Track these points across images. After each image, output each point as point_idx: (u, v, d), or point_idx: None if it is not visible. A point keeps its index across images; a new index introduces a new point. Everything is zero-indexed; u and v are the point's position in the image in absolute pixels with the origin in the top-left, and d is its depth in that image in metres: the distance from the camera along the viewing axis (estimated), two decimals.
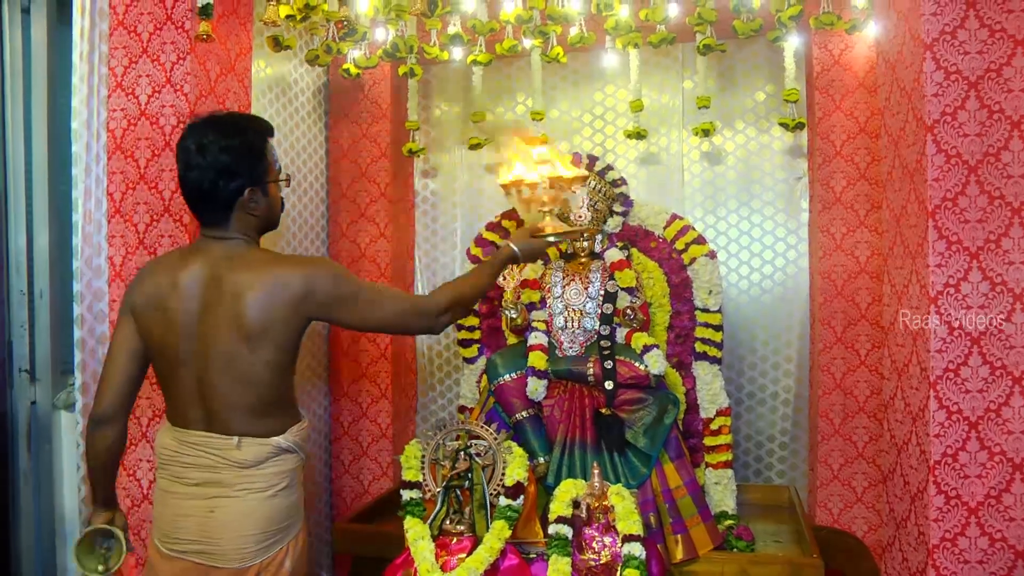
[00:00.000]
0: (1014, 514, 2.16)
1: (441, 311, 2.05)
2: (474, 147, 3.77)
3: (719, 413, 3.13)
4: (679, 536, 2.76)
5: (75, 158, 2.75)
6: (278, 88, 3.60)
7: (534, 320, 3.15)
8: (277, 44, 3.29)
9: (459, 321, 3.45)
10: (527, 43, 3.44)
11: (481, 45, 3.55)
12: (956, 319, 2.16)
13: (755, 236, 3.70)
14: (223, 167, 1.86)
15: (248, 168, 1.89)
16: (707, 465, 3.13)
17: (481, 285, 2.23)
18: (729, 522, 2.96)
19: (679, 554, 2.73)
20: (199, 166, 1.86)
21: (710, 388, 3.14)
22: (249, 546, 1.85)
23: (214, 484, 1.86)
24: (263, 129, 1.98)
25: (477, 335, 3.47)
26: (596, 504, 2.58)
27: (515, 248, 2.31)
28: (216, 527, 1.85)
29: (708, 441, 3.13)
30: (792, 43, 3.22)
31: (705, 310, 3.17)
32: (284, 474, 1.92)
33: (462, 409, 3.42)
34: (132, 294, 1.96)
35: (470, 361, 3.49)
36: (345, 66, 3.66)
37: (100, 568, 2.01)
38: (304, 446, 2.00)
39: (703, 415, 3.14)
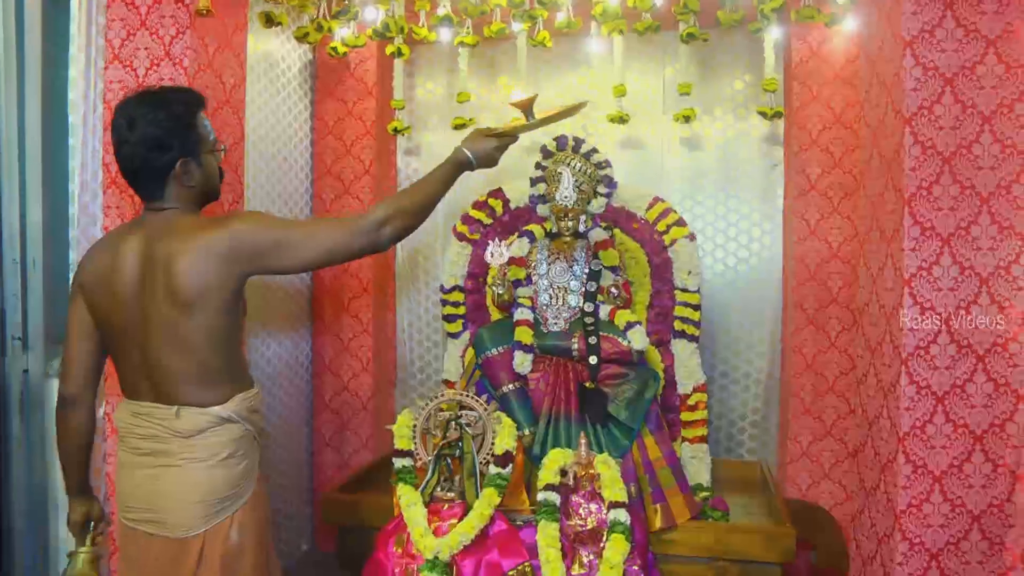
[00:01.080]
0: (973, 481, 2.32)
1: (380, 223, 1.91)
2: (458, 127, 3.84)
3: (696, 389, 3.25)
4: (659, 506, 2.87)
5: (72, 129, 2.76)
6: (266, 64, 3.63)
7: (520, 297, 3.24)
8: (269, 20, 3.33)
9: (444, 307, 3.54)
10: (515, 27, 3.51)
11: (468, 27, 3.62)
12: (928, 300, 2.31)
13: (731, 221, 3.83)
14: (153, 140, 1.87)
15: (179, 140, 1.90)
16: (684, 439, 3.25)
17: (429, 192, 2.06)
18: (705, 494, 3.09)
19: (658, 523, 2.84)
20: (129, 141, 1.89)
21: (687, 365, 3.26)
22: (192, 515, 1.87)
23: (160, 454, 1.89)
24: (193, 100, 1.98)
25: (462, 310, 3.55)
26: (583, 472, 2.68)
27: (467, 151, 2.16)
28: (161, 496, 1.89)
29: (685, 416, 3.25)
30: (772, 34, 3.35)
31: (684, 290, 3.29)
32: (226, 444, 1.91)
33: (446, 382, 3.50)
34: (80, 273, 1.99)
35: (454, 336, 3.57)
36: (333, 44, 3.70)
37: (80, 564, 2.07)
38: (252, 417, 1.98)
39: (680, 391, 3.26)
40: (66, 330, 2.00)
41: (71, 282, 2.02)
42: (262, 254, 1.87)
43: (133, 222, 2.01)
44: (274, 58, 3.71)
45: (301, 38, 3.64)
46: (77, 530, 2.11)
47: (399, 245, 4.20)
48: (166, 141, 1.88)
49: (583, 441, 2.75)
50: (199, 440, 1.89)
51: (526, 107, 2.36)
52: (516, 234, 3.42)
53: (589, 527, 2.62)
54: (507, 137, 2.26)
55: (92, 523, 2.11)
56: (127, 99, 1.93)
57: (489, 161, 2.22)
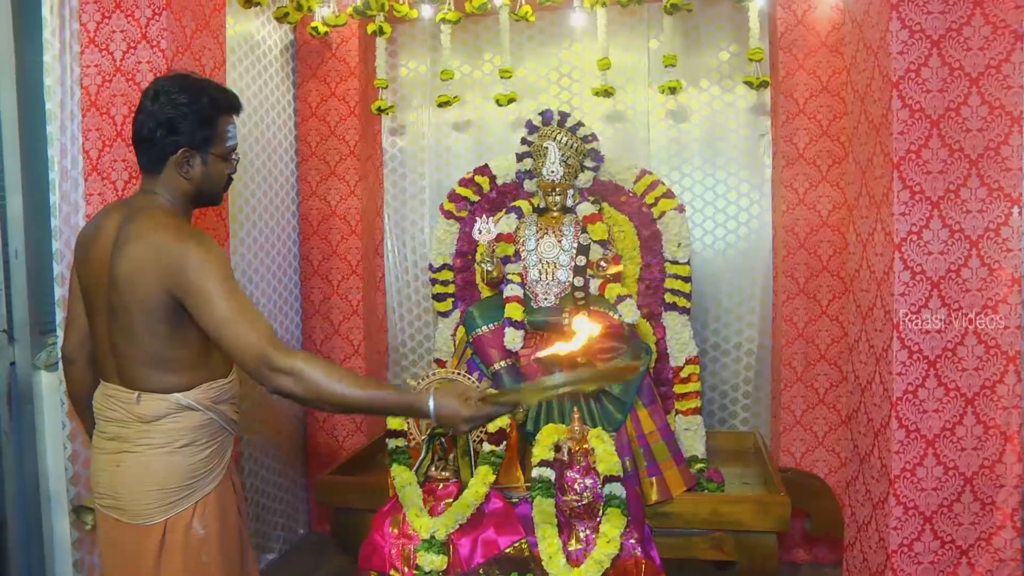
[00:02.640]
0: (965, 444, 2.33)
1: (285, 370, 1.68)
2: (442, 105, 3.81)
3: (688, 361, 3.25)
4: (654, 479, 2.88)
5: (49, 115, 2.71)
6: (247, 46, 3.58)
7: (509, 273, 3.23)
8: (248, 0, 3.28)
9: (433, 286, 3.52)
10: (497, 1, 3.48)
11: (450, 3, 3.58)
12: (918, 264, 2.30)
13: (719, 192, 3.81)
14: (165, 119, 1.85)
15: (190, 129, 1.87)
16: (677, 412, 3.26)
17: (359, 403, 1.75)
18: (700, 465, 3.09)
19: (654, 496, 2.85)
20: (145, 110, 1.88)
21: (679, 337, 3.26)
22: (149, 502, 1.84)
23: (121, 439, 1.87)
24: (224, 101, 1.94)
25: (451, 289, 3.53)
26: (577, 447, 2.68)
27: (432, 406, 1.74)
28: (120, 481, 1.86)
29: (678, 388, 3.25)
30: (757, 3, 3.32)
31: (674, 262, 3.28)
32: (184, 431, 1.86)
33: (437, 362, 3.49)
34: (76, 241, 2.01)
35: (444, 315, 3.55)
36: (313, 24, 3.65)
37: (89, 524, 2.03)
38: (217, 406, 1.91)
39: (673, 363, 3.26)
40: (68, 292, 2.04)
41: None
42: (186, 290, 1.75)
43: (123, 200, 2.01)
44: (254, 40, 3.66)
45: (281, 18, 3.60)
46: None
47: (386, 226, 4.18)
48: (177, 124, 1.86)
49: (576, 416, 2.74)
50: (156, 426, 1.85)
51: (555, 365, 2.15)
52: (504, 210, 3.40)
53: (585, 502, 2.62)
54: (495, 408, 1.79)
55: None
56: (169, 75, 1.94)
57: (451, 427, 1.81)
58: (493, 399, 1.76)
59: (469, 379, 2.76)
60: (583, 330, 2.11)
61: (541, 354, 2.20)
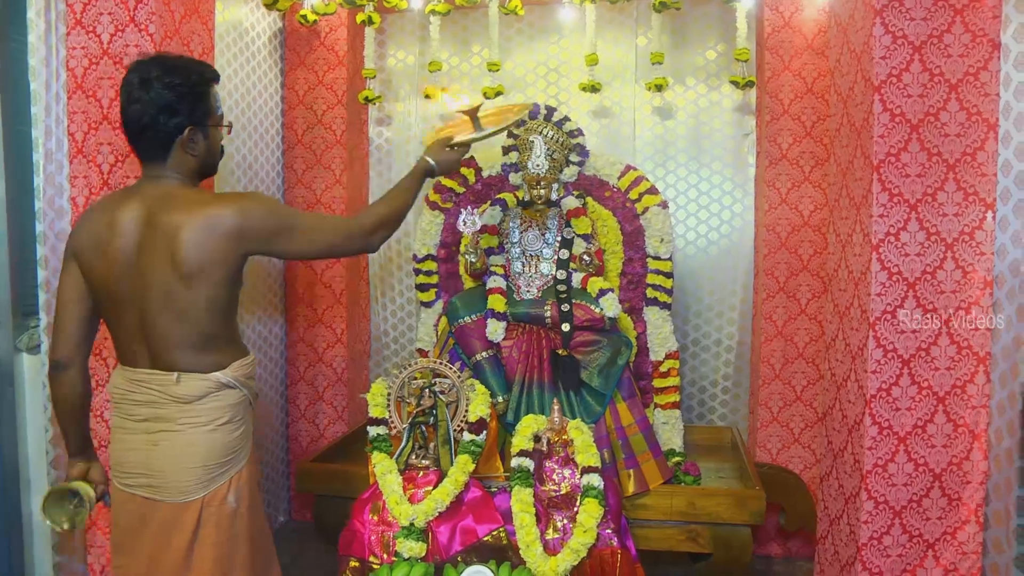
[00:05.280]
0: (935, 441, 2.38)
1: (374, 229, 2.11)
2: (429, 96, 3.82)
3: (668, 356, 3.29)
4: (631, 471, 2.92)
5: (34, 96, 2.70)
6: (235, 33, 3.58)
7: (492, 265, 3.25)
8: None
9: (417, 277, 3.55)
10: None
11: None
12: (895, 265, 2.35)
13: (703, 190, 3.85)
14: (165, 103, 1.88)
15: (189, 107, 1.91)
16: (656, 405, 3.30)
17: (405, 200, 2.25)
18: (677, 459, 3.14)
19: (631, 487, 2.89)
20: (140, 100, 1.88)
21: (660, 332, 3.30)
22: (191, 479, 1.90)
23: (158, 419, 1.91)
24: (208, 72, 1.99)
25: (435, 279, 3.55)
26: (556, 438, 2.71)
27: (431, 161, 2.35)
28: (159, 460, 1.90)
29: (657, 383, 3.29)
30: (745, 4, 3.36)
31: (656, 257, 3.31)
32: (225, 409, 1.94)
33: (420, 352, 3.51)
34: (74, 238, 1.98)
35: (427, 305, 3.57)
36: (302, 12, 3.65)
37: (67, 524, 2.00)
38: (248, 383, 2.01)
39: (653, 358, 3.30)
40: (58, 296, 2.00)
41: (64, 248, 2.00)
42: (269, 237, 1.92)
43: (130, 189, 2.00)
44: (243, 27, 3.65)
45: (270, 5, 3.60)
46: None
47: None
48: (177, 106, 1.89)
49: (556, 407, 2.78)
50: (199, 405, 1.91)
51: (472, 114, 2.47)
52: (488, 202, 3.42)
53: (563, 492, 2.66)
54: (464, 146, 2.45)
55: (77, 499, 2.07)
56: (142, 60, 1.93)
57: (450, 168, 2.44)
58: (456, 144, 2.41)
59: (451, 369, 2.78)
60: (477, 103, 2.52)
61: (457, 105, 2.54)
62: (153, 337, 1.90)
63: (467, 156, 2.55)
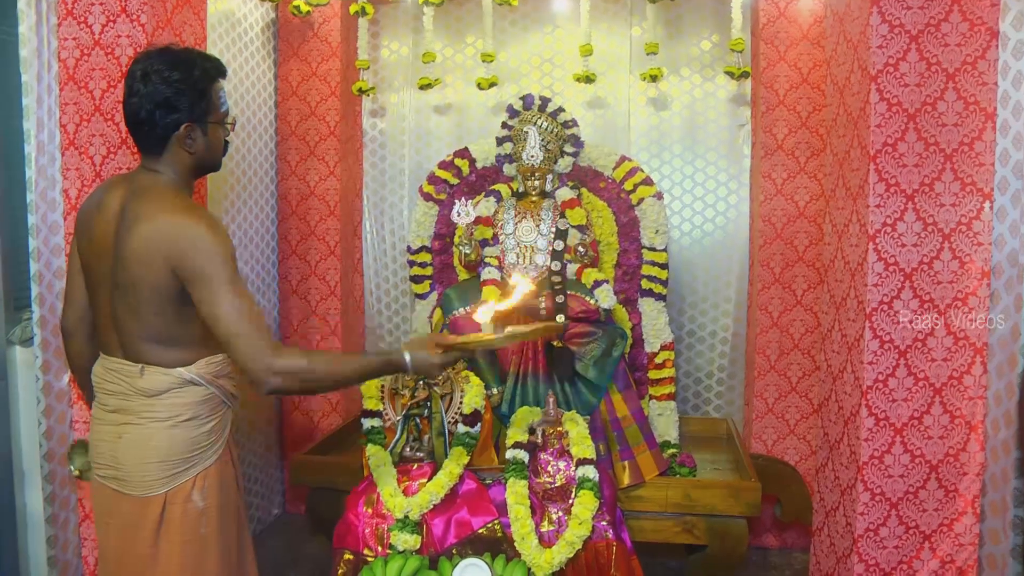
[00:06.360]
0: (932, 433, 2.38)
1: (277, 372, 1.78)
2: (423, 87, 3.80)
3: (663, 347, 3.28)
4: (626, 463, 2.91)
5: (25, 88, 2.67)
6: (227, 23, 3.55)
7: (487, 256, 3.24)
8: None
9: (411, 268, 3.52)
10: None
11: None
12: (892, 256, 2.34)
13: (698, 181, 3.84)
14: (162, 98, 1.85)
15: (188, 103, 1.88)
16: (651, 397, 3.29)
17: (346, 377, 1.96)
18: (672, 450, 3.13)
19: (626, 479, 2.88)
20: (139, 93, 1.86)
21: (655, 323, 3.28)
22: (151, 474, 1.86)
23: (125, 411, 1.89)
24: (213, 68, 1.95)
25: (429, 271, 3.53)
26: (551, 430, 2.70)
27: (407, 357, 2.01)
28: (122, 452, 1.88)
29: (652, 374, 3.28)
30: None
31: (651, 248, 3.30)
32: (187, 405, 1.89)
33: None
34: (78, 213, 2.00)
35: (422, 297, 3.55)
36: (295, 3, 3.62)
37: (77, 471, 2.10)
38: (218, 381, 1.94)
39: (648, 349, 3.28)
40: (68, 264, 2.05)
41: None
42: (193, 276, 1.77)
43: (125, 175, 1.99)
44: (236, 17, 3.62)
45: None
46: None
47: (365, 207, 4.17)
48: (175, 102, 1.86)
49: (551, 399, 2.77)
50: (160, 400, 1.87)
51: (497, 322, 2.26)
52: (483, 194, 3.40)
53: (558, 484, 2.65)
54: (459, 352, 2.14)
55: None
56: (148, 51, 1.90)
57: (426, 373, 2.11)
58: (451, 346, 2.08)
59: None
60: (520, 287, 2.37)
61: (479, 315, 2.26)
62: (121, 326, 1.88)
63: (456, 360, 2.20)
